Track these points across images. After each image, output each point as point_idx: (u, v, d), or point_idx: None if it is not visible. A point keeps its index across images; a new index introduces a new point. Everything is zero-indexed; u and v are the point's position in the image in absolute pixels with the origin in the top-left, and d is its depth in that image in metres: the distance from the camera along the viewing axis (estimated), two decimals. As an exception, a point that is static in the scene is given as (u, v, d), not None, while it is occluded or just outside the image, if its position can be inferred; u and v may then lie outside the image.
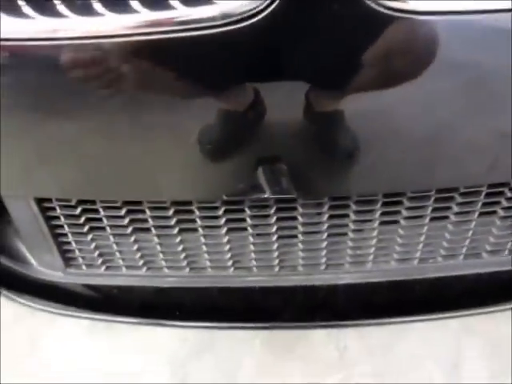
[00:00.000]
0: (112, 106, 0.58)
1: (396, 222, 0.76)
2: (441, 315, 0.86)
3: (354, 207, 0.73)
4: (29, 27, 0.49)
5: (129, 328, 1.24)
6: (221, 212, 0.74)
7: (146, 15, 0.48)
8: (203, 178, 0.66)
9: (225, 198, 0.68)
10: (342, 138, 0.61)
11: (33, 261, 0.89)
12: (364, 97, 0.55)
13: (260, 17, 0.47)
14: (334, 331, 1.24)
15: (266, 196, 0.66)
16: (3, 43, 0.50)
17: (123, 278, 0.87)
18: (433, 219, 0.77)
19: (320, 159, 0.65)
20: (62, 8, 0.48)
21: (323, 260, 0.82)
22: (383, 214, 0.74)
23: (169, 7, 0.48)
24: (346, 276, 0.84)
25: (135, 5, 0.48)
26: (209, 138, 0.61)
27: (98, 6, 0.48)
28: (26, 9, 0.49)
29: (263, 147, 0.63)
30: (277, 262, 0.83)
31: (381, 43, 0.50)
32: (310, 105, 0.56)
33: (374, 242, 0.79)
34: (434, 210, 0.75)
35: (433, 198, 0.73)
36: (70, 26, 0.49)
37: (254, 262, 0.83)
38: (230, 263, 0.83)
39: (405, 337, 1.20)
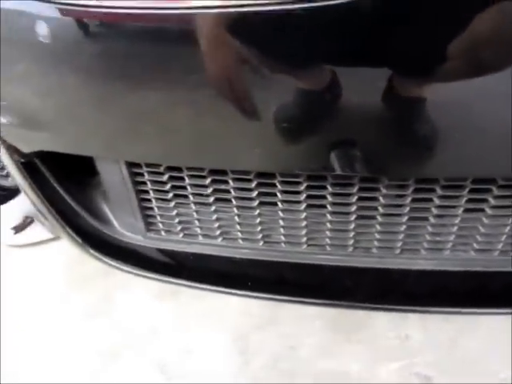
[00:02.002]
0: (200, 78, 0.60)
1: (481, 210, 0.74)
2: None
3: (439, 192, 0.71)
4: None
5: (195, 298, 1.29)
6: (302, 187, 0.75)
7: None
8: (278, 153, 0.67)
9: (299, 172, 0.70)
10: (423, 124, 0.60)
11: (116, 223, 0.95)
12: (458, 85, 0.54)
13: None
14: (396, 320, 1.23)
15: (341, 173, 0.66)
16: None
17: (199, 245, 0.91)
18: (520, 210, 0.74)
19: (397, 143, 0.65)
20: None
21: (399, 244, 0.82)
22: (469, 200, 0.73)
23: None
24: (421, 262, 0.83)
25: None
26: (284, 116, 0.61)
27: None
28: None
29: (339, 129, 0.63)
30: (351, 242, 0.83)
31: (482, 27, 0.48)
32: (394, 89, 0.55)
33: (455, 229, 0.77)
34: (524, 200, 0.72)
35: (524, 188, 0.70)
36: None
37: (328, 240, 0.84)
38: (304, 239, 0.85)
39: (471, 332, 1.17)
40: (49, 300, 1.36)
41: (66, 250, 1.39)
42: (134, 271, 0.94)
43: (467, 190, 0.71)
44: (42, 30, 0.60)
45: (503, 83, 0.53)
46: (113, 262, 0.94)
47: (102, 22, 0.58)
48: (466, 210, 0.75)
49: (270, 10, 0.51)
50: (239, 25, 0.54)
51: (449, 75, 0.53)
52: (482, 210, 0.74)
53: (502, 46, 0.50)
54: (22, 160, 0.83)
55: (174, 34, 0.57)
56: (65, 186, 0.91)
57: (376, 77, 0.55)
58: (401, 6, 0.49)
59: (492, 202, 0.72)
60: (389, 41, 0.52)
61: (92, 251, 0.92)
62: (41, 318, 1.30)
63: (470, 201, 0.73)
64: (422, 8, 0.49)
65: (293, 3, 0.50)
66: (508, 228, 0.77)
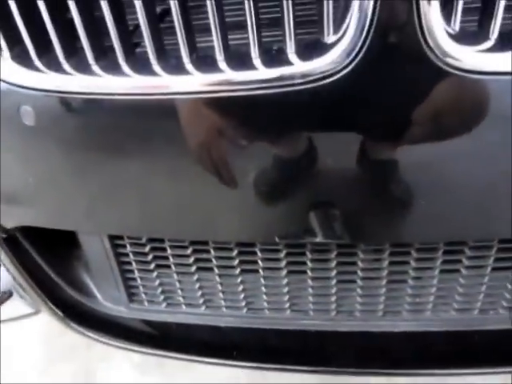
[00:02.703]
0: (178, 153, 0.63)
1: (457, 270, 0.76)
2: (501, 369, 0.84)
3: (414, 255, 0.74)
4: (128, 84, 0.56)
5: (180, 369, 1.26)
6: (282, 255, 0.77)
7: (230, 75, 0.54)
8: (258, 219, 0.69)
9: (278, 240, 0.72)
10: (395, 186, 0.63)
11: (98, 295, 0.94)
12: (427, 149, 0.57)
13: (334, 78, 0.51)
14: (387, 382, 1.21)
15: (318, 240, 0.68)
16: (107, 97, 0.57)
17: (182, 315, 0.91)
18: (494, 269, 0.76)
19: (372, 207, 0.67)
20: (157, 68, 0.55)
21: (381, 306, 0.83)
22: (444, 262, 0.75)
23: (252, 68, 0.53)
24: (404, 324, 0.84)
25: (222, 65, 0.53)
26: (264, 182, 0.64)
27: (189, 67, 0.54)
28: (126, 68, 0.56)
29: (317, 193, 0.65)
30: (334, 306, 0.84)
31: (442, 99, 0.53)
32: (367, 154, 0.59)
33: (433, 290, 0.79)
34: (497, 260, 0.75)
35: (495, 248, 0.73)
36: (163, 84, 0.55)
37: (310, 306, 0.84)
38: (287, 305, 0.85)
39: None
40: (27, 373, 1.31)
41: (46, 322, 1.36)
42: (117, 344, 0.93)
43: (441, 251, 0.73)
44: (23, 111, 0.62)
45: (464, 147, 0.57)
46: (95, 335, 0.92)
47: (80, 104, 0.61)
48: (442, 271, 0.77)
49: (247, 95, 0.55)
50: (219, 106, 0.57)
51: (413, 140, 0.57)
52: (458, 271, 0.77)
53: (457, 113, 0.55)
54: (4, 235, 0.84)
55: (153, 111, 0.60)
56: (46, 258, 0.91)
57: (347, 146, 0.58)
58: (375, 81, 0.53)
59: (466, 262, 0.75)
60: (358, 115, 0.56)
61: (74, 325, 0.91)
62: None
63: (444, 262, 0.75)
64: (385, 85, 0.53)
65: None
66: (484, 287, 0.79)
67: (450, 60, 0.49)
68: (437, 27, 0.48)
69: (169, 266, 0.84)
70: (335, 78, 0.50)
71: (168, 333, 0.93)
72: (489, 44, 0.49)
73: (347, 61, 0.50)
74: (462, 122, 0.55)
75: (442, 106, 0.54)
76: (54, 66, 0.59)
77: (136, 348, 0.92)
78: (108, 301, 0.94)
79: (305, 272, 0.79)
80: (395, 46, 0.49)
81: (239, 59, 0.54)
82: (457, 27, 0.49)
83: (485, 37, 0.49)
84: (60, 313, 0.90)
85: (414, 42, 0.49)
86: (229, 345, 0.89)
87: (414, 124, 0.55)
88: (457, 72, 0.50)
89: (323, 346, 0.87)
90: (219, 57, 0.53)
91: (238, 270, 0.81)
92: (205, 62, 0.54)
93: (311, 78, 0.51)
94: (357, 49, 0.49)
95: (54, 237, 0.89)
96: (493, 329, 0.84)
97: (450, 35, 0.49)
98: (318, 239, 0.67)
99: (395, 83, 0.52)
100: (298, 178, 0.63)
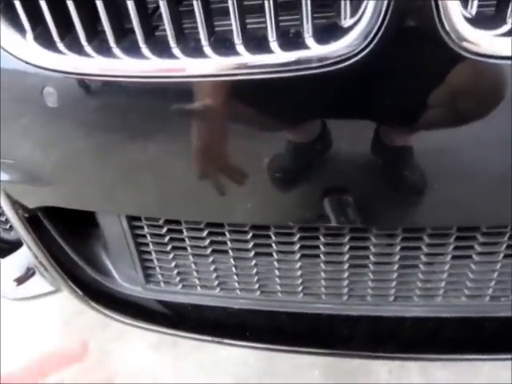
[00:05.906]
0: (199, 136, 0.64)
1: (469, 256, 0.77)
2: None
3: (427, 240, 0.74)
4: (147, 66, 0.57)
5: (192, 348, 1.29)
6: (296, 238, 0.78)
7: (247, 58, 0.55)
8: (272, 204, 0.70)
9: (291, 224, 0.73)
10: (409, 171, 0.64)
11: (116, 275, 0.97)
12: (443, 133, 0.58)
13: (351, 61, 0.52)
14: (396, 368, 1.22)
15: (332, 224, 0.69)
16: (127, 80, 0.58)
17: (197, 296, 0.93)
18: (507, 256, 0.77)
19: (385, 192, 0.68)
20: (176, 51, 0.56)
21: (392, 291, 0.84)
22: (456, 248, 0.76)
23: (269, 51, 0.54)
24: (415, 309, 0.85)
25: (240, 48, 0.54)
26: (279, 166, 0.65)
27: (207, 50, 0.55)
28: (146, 51, 0.57)
29: (331, 177, 0.66)
30: (346, 290, 0.85)
31: (458, 83, 0.53)
32: (383, 139, 0.59)
33: (445, 275, 0.80)
34: (509, 247, 0.75)
35: (508, 235, 0.73)
36: (182, 66, 0.56)
37: (323, 289, 0.86)
38: (299, 289, 0.86)
39: (471, 378, 1.17)
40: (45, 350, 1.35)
41: (63, 303, 1.40)
42: (134, 323, 0.95)
43: (453, 237, 0.74)
44: (46, 92, 0.64)
45: (479, 132, 0.57)
46: (112, 314, 0.95)
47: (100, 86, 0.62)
48: (454, 257, 0.77)
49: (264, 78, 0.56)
50: (236, 89, 0.58)
51: (428, 125, 0.57)
52: (470, 257, 0.77)
53: (473, 97, 0.55)
54: (26, 215, 0.86)
55: (172, 94, 0.61)
56: (66, 238, 0.94)
57: (363, 130, 0.59)
58: (391, 66, 0.53)
59: (478, 248, 0.75)
60: (374, 98, 0.56)
61: (92, 303, 0.94)
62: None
63: (456, 248, 0.76)
64: (402, 68, 0.54)
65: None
66: (496, 274, 0.79)
67: (466, 44, 0.50)
68: (453, 11, 0.48)
69: (185, 248, 0.86)
70: (352, 61, 0.51)
71: (183, 313, 0.95)
72: (506, 28, 0.49)
73: (364, 44, 0.50)
74: (478, 107, 0.56)
75: (458, 90, 0.54)
76: (76, 48, 0.60)
77: (151, 327, 0.95)
78: (125, 281, 0.96)
79: (318, 256, 0.80)
80: (412, 30, 0.50)
81: (256, 42, 0.55)
82: (473, 11, 0.49)
83: (502, 21, 0.49)
84: (79, 291, 0.92)
85: (431, 25, 0.49)
86: (241, 326, 0.91)
87: (429, 108, 0.55)
88: (473, 56, 0.50)
89: (335, 329, 0.88)
90: (237, 40, 0.54)
91: (252, 253, 0.82)
92: (223, 45, 0.55)
93: (328, 62, 0.51)
94: (373, 32, 0.50)
95: (74, 217, 0.92)
96: (504, 316, 0.84)
97: (466, 19, 0.49)
98: (332, 223, 0.69)
99: (412, 67, 0.52)
100: (314, 163, 0.64)
